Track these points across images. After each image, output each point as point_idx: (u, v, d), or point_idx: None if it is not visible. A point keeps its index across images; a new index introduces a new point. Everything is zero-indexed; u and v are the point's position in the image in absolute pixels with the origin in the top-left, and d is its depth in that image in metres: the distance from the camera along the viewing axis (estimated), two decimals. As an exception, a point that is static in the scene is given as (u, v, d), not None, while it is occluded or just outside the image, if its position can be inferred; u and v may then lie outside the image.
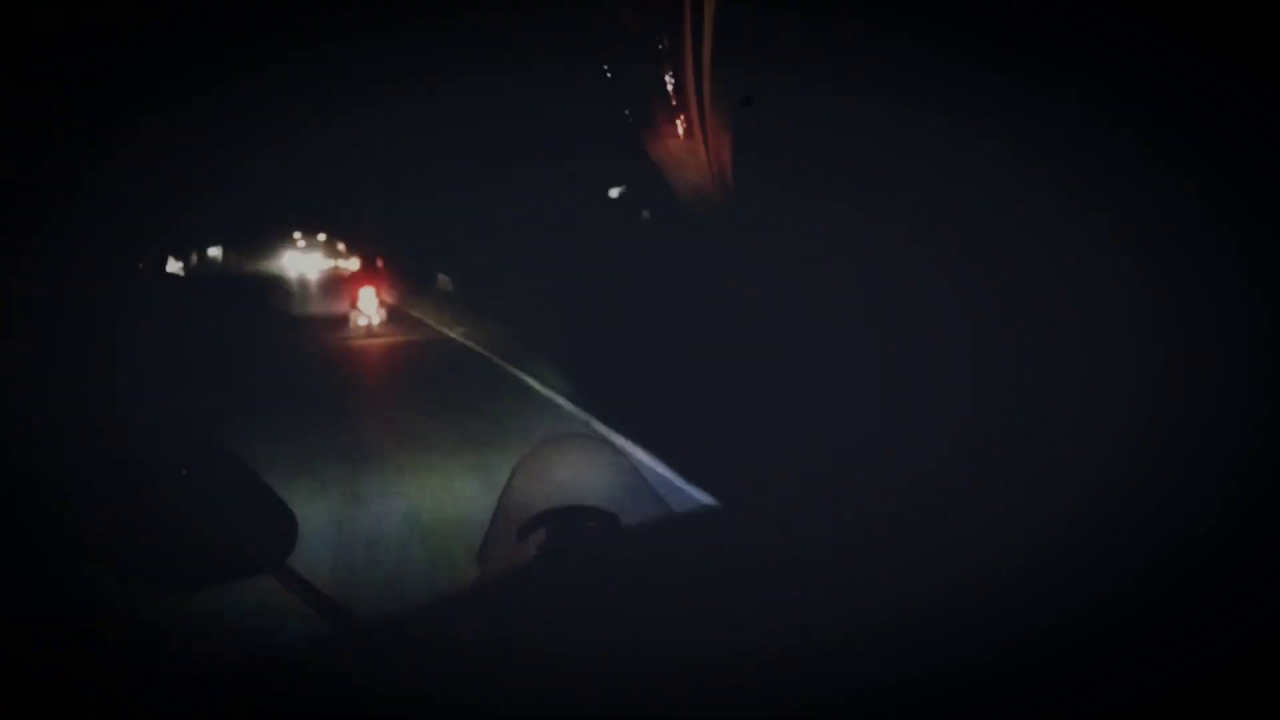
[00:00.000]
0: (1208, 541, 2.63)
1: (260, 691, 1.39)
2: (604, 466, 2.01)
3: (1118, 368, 2.95)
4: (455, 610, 1.56)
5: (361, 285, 14.96)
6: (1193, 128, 2.36)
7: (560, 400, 11.55)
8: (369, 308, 14.75)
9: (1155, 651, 2.40)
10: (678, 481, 4.96)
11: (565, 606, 1.37)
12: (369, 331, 14.15)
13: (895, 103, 2.62)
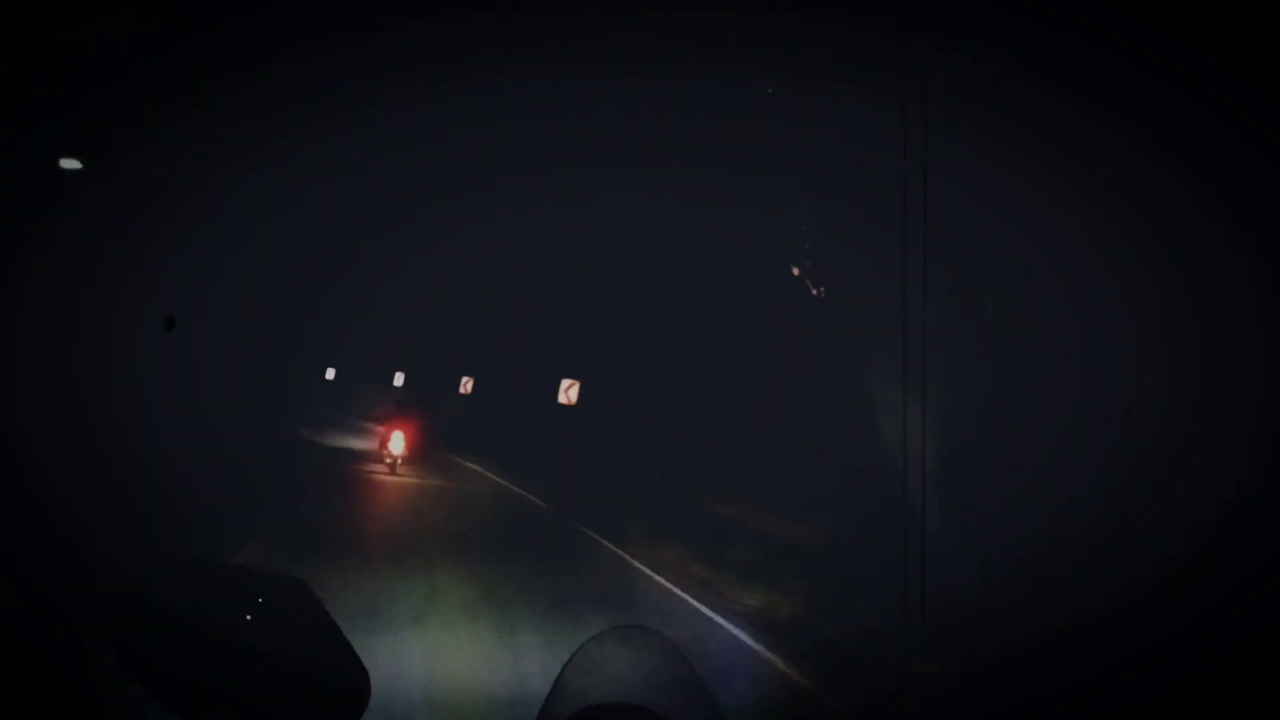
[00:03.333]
0: (1208, 542, 2.63)
1: None
2: (657, 663, 1.97)
3: (1116, 369, 2.94)
4: None
5: (393, 429, 16.16)
6: (1194, 129, 2.36)
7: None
8: (398, 448, 15.80)
9: (1155, 652, 2.39)
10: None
11: None
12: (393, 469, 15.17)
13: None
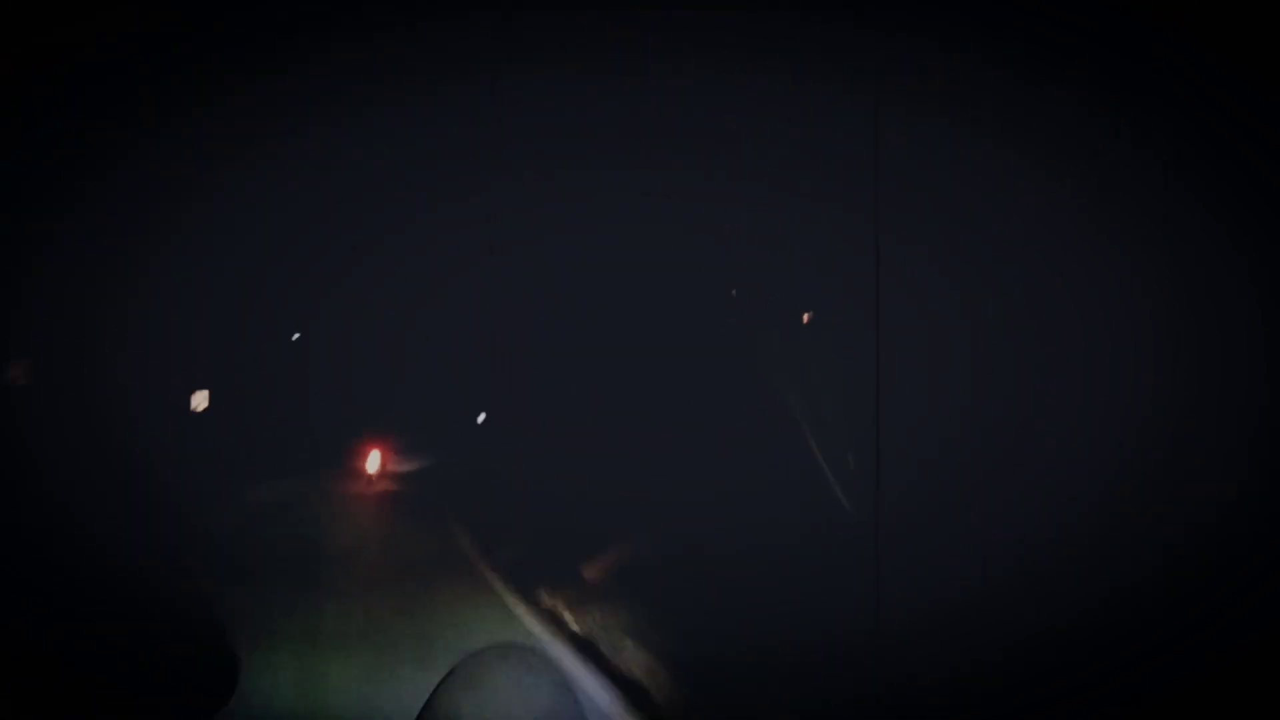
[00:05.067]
0: (1207, 542, 2.63)
1: None
2: (539, 685, 1.91)
3: (1116, 369, 2.94)
4: None
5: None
6: (1194, 129, 2.35)
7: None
8: (373, 465, 17.74)
9: (1155, 652, 2.39)
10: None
11: None
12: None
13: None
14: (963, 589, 3.70)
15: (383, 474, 16.44)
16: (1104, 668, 2.58)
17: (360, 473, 16.58)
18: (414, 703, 1.71)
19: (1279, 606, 2.55)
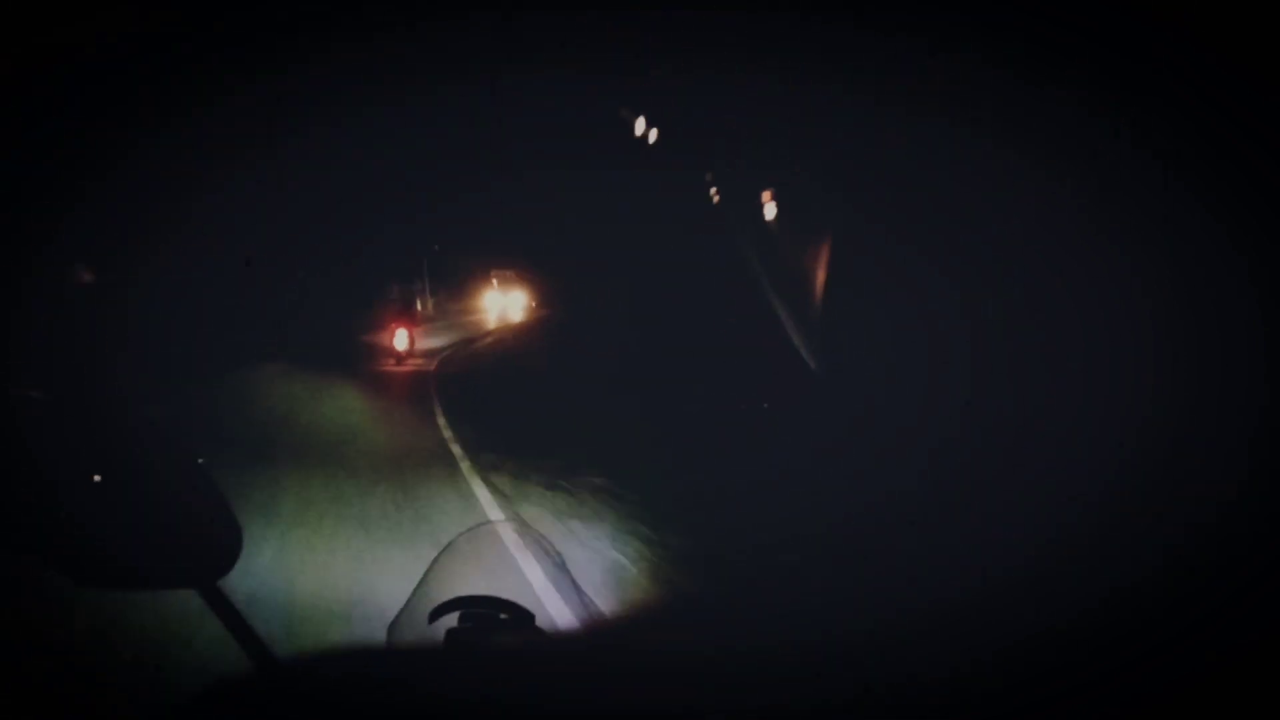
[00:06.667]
0: (1207, 541, 2.63)
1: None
2: (530, 559, 2.00)
3: (1115, 369, 2.94)
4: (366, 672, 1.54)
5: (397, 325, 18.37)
6: (1194, 129, 2.35)
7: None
8: (401, 343, 17.93)
9: (1155, 652, 2.39)
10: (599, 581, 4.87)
11: (457, 698, 1.34)
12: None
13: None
14: (963, 589, 3.72)
15: (410, 353, 16.91)
16: (1104, 668, 2.58)
17: (390, 351, 17.06)
18: (406, 580, 1.78)
19: (1279, 606, 2.55)
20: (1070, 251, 4.25)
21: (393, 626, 1.68)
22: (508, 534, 1.95)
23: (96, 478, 1.26)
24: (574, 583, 1.80)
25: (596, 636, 1.75)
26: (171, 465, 1.34)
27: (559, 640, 1.67)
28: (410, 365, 16.19)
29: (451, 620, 1.60)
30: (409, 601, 1.71)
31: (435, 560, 1.76)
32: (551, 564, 1.86)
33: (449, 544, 1.78)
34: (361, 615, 4.41)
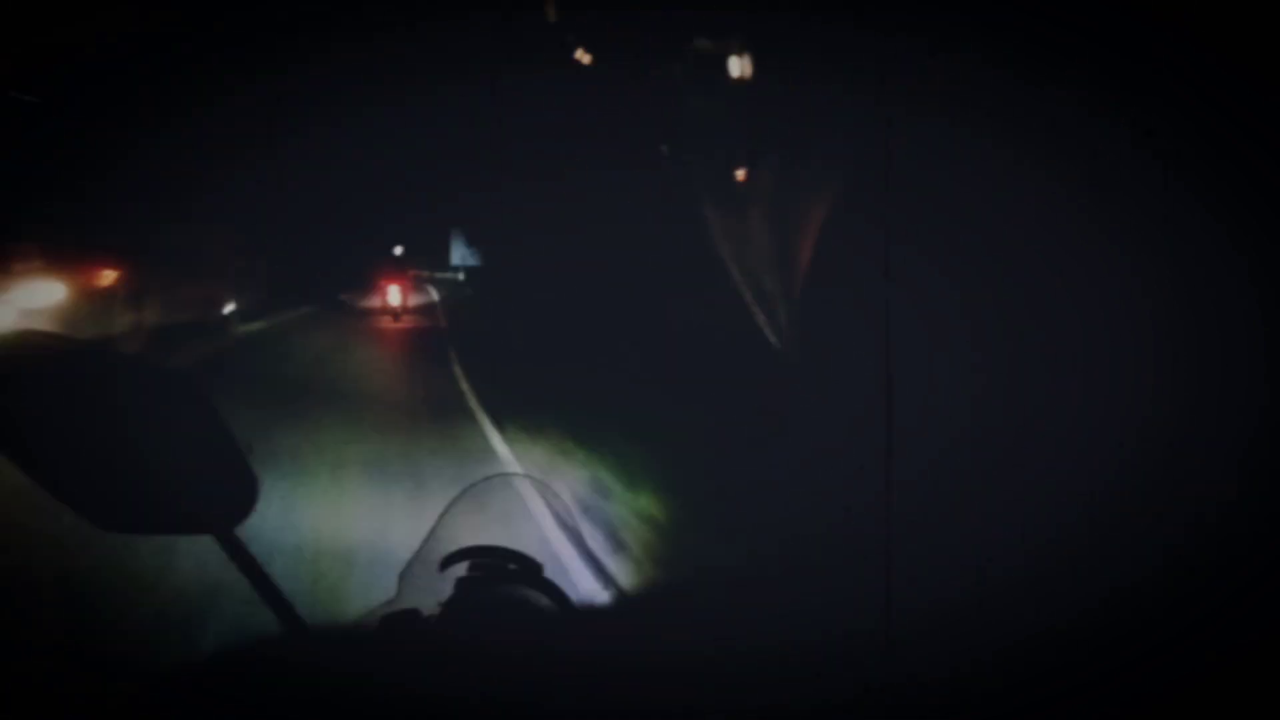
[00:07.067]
0: (1207, 541, 2.63)
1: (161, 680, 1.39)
2: (542, 512, 2.06)
3: (1116, 369, 2.94)
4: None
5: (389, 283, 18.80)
6: (1192, 129, 2.35)
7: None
8: (395, 298, 18.36)
9: (1155, 652, 2.39)
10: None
11: (461, 648, 1.38)
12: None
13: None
14: (963, 589, 3.71)
15: (405, 308, 17.20)
16: (1104, 668, 2.58)
17: (384, 308, 17.32)
18: (414, 530, 1.84)
19: (1279, 606, 2.55)
20: (1070, 251, 4.25)
21: (404, 574, 1.72)
22: (519, 485, 2.00)
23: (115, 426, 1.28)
24: (581, 538, 1.86)
25: (599, 619, 1.79)
26: (191, 414, 1.35)
27: (560, 592, 1.71)
28: (408, 321, 16.41)
29: (461, 570, 1.65)
30: (420, 549, 1.75)
31: (446, 509, 1.80)
32: (562, 519, 1.92)
33: (460, 493, 1.82)
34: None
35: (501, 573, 1.69)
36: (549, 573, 1.75)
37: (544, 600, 1.66)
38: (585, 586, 1.87)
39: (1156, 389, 3.06)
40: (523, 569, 1.72)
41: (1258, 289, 2.60)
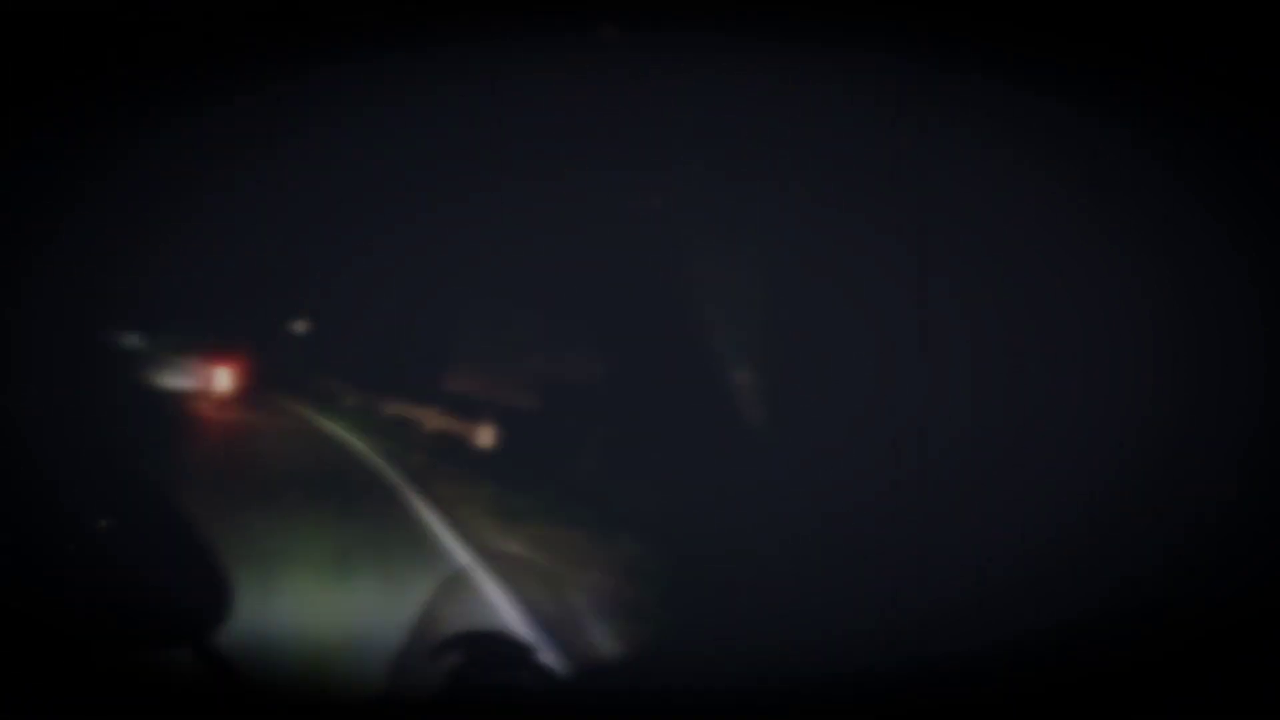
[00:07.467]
0: (1207, 541, 2.63)
1: None
2: (529, 593, 1.99)
3: (1116, 369, 2.93)
4: None
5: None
6: (1192, 130, 2.35)
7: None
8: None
9: (1155, 652, 2.39)
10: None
11: None
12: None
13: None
14: (963, 589, 3.71)
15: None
16: (1104, 668, 2.58)
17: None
18: (392, 619, 1.79)
19: (1279, 606, 2.55)
20: (1070, 251, 4.25)
21: (394, 667, 1.66)
22: (502, 567, 1.95)
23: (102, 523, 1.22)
24: (573, 617, 1.80)
25: (597, 675, 1.76)
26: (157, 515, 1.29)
27: (553, 676, 1.66)
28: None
29: (453, 658, 1.59)
30: (408, 641, 1.69)
31: (430, 599, 1.75)
32: (554, 597, 1.87)
33: (444, 579, 1.79)
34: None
35: (495, 659, 1.63)
36: (540, 652, 1.69)
37: (540, 682, 1.61)
38: (574, 652, 1.81)
39: (1156, 389, 3.06)
40: (516, 653, 1.66)
41: (1258, 289, 2.60)
